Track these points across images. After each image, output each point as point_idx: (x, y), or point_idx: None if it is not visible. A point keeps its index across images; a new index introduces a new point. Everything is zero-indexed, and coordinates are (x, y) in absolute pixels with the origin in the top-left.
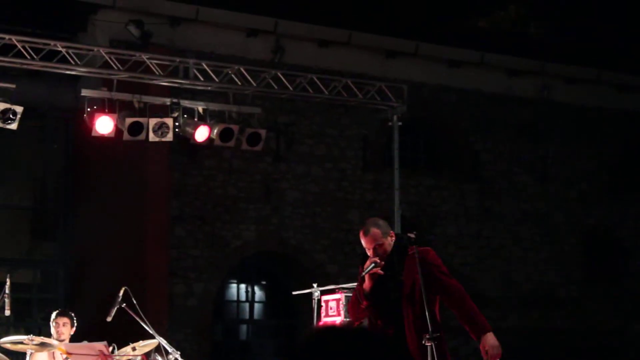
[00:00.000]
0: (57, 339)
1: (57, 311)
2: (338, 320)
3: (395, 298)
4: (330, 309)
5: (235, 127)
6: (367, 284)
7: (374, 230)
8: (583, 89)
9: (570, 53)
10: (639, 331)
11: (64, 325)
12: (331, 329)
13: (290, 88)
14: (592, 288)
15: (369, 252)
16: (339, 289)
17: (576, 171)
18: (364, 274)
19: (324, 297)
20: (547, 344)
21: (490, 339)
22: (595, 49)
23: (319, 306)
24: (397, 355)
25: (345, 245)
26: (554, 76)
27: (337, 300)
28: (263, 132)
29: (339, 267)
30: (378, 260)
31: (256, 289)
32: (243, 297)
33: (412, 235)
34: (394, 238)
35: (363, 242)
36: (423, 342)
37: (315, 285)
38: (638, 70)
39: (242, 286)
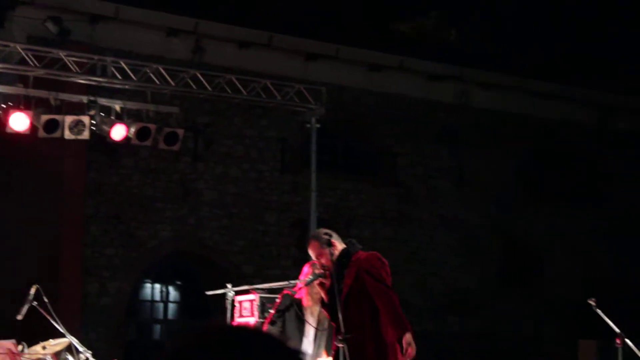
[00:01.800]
0: None
1: None
2: (252, 320)
3: (336, 304)
4: (244, 309)
5: (152, 127)
6: (323, 294)
7: (312, 242)
8: (501, 95)
9: (489, 60)
10: (552, 336)
11: None
12: (209, 329)
13: (209, 88)
14: (507, 293)
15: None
16: (253, 289)
17: (493, 177)
18: (301, 285)
19: (238, 298)
20: (462, 348)
21: (410, 337)
22: (513, 56)
23: (233, 306)
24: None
25: (261, 246)
26: (473, 82)
27: (251, 301)
28: (181, 132)
29: (255, 268)
30: (317, 272)
31: (171, 289)
32: (157, 296)
33: (327, 236)
34: (336, 247)
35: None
36: (336, 342)
37: (229, 285)
38: (555, 78)
39: (157, 286)
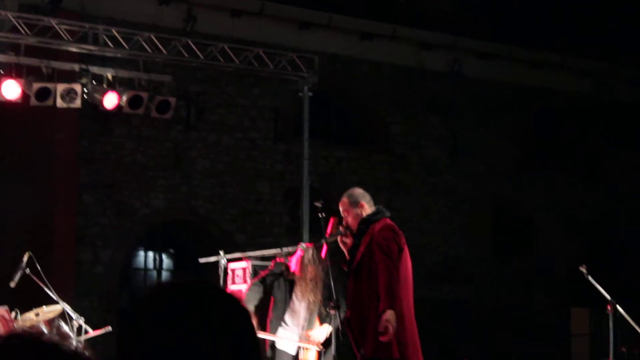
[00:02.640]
0: None
1: None
2: (244, 287)
3: (347, 271)
4: (237, 276)
5: (144, 95)
6: (345, 251)
7: (343, 199)
8: (494, 65)
9: (482, 28)
10: (545, 304)
11: None
12: (165, 285)
13: (202, 57)
14: (500, 261)
15: None
16: (245, 256)
17: (486, 146)
18: (327, 238)
19: (231, 265)
20: (455, 315)
21: (391, 315)
22: (507, 24)
23: (226, 274)
24: (234, 312)
25: (254, 215)
26: (466, 51)
27: (244, 268)
28: (173, 100)
29: (248, 236)
30: (342, 229)
31: (164, 257)
32: (151, 265)
33: (319, 204)
34: (364, 210)
35: None
36: (327, 308)
37: (221, 252)
38: (549, 46)
39: (150, 254)
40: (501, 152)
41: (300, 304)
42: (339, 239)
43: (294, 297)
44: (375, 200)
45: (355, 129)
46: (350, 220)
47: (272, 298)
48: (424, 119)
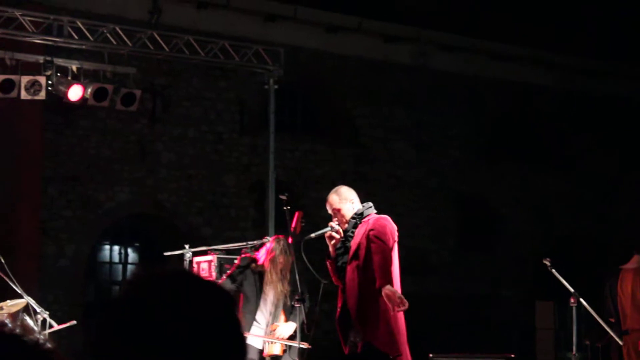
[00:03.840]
0: None
1: None
2: None
3: (342, 263)
4: (202, 270)
5: (109, 87)
6: (331, 248)
7: (330, 197)
8: (459, 57)
9: (448, 21)
10: (508, 297)
11: None
12: (148, 276)
13: (167, 49)
14: (465, 254)
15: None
16: (211, 250)
17: (450, 138)
18: (312, 235)
19: (196, 259)
20: (420, 309)
21: (388, 289)
22: (472, 17)
23: (191, 268)
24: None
25: (220, 208)
26: (431, 43)
27: (209, 262)
28: (138, 93)
29: (214, 230)
30: (334, 225)
31: (129, 250)
32: (116, 258)
33: (284, 197)
34: (355, 205)
35: None
36: (292, 302)
37: (187, 246)
38: (513, 39)
39: (115, 247)
40: (467, 144)
41: (268, 297)
42: (327, 234)
43: (264, 290)
44: None
45: (321, 122)
46: (339, 217)
47: (241, 295)
48: (390, 111)
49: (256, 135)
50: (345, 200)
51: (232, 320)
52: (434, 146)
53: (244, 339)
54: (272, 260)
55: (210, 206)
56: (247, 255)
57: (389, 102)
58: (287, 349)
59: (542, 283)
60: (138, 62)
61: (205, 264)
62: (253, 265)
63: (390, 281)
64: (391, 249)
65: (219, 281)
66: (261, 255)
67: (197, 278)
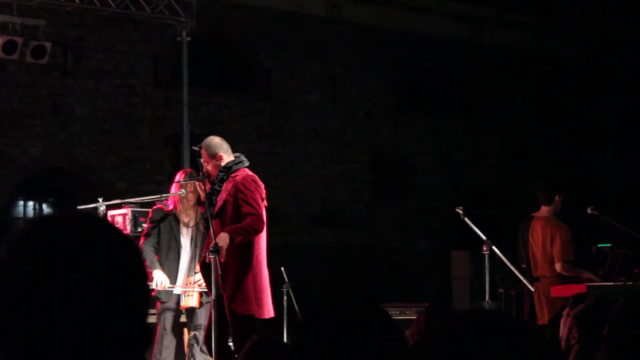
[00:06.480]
0: None
1: None
2: None
3: (208, 217)
4: (117, 223)
5: (19, 40)
6: (202, 195)
7: (202, 149)
8: (372, 9)
9: None
10: (424, 247)
11: None
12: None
13: (77, 0)
14: (380, 206)
15: None
16: (125, 203)
17: (364, 91)
18: (176, 187)
19: (110, 212)
20: (337, 260)
21: (224, 235)
22: None
23: None
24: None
25: (135, 162)
26: None
27: (124, 215)
28: (48, 45)
29: (129, 184)
30: (201, 176)
31: (44, 206)
32: (30, 214)
33: (197, 149)
34: (222, 160)
35: None
36: (205, 256)
37: (100, 199)
38: None
39: (30, 203)
40: (379, 96)
41: (185, 243)
42: (197, 184)
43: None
44: (258, 147)
45: (235, 74)
46: (210, 168)
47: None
48: (304, 64)
49: (170, 88)
50: (214, 156)
51: (140, 270)
52: (349, 99)
53: (147, 289)
54: (181, 201)
55: (124, 160)
56: (160, 206)
57: (303, 54)
58: (202, 301)
59: (458, 234)
60: (48, 14)
61: (119, 217)
62: (165, 214)
63: (233, 239)
64: (262, 213)
65: (140, 243)
66: (172, 194)
67: (106, 222)
